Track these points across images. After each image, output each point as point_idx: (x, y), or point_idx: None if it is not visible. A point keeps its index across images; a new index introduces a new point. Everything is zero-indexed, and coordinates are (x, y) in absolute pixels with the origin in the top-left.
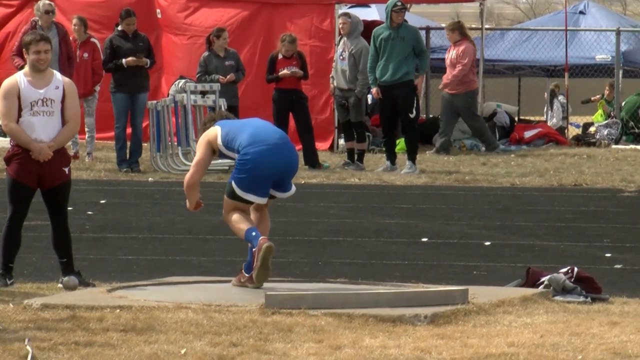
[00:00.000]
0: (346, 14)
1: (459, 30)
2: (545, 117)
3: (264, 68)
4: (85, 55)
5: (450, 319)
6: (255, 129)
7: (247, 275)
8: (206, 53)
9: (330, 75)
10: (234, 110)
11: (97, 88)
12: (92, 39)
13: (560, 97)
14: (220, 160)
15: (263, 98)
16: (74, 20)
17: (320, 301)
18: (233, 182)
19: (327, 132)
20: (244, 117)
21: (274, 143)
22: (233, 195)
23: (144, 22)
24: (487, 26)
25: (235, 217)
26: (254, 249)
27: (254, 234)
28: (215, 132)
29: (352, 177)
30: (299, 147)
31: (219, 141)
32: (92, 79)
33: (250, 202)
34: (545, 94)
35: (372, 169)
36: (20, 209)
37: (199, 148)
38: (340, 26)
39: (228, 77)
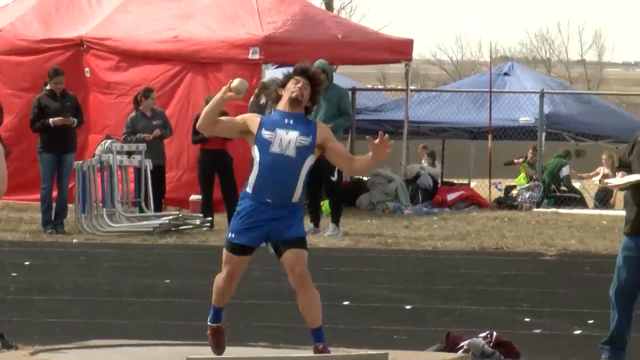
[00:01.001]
0: (264, 87)
1: None
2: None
3: (187, 127)
4: None
5: None
6: None
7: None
8: (133, 113)
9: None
10: (161, 170)
11: None
12: None
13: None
14: (145, 222)
15: (178, 156)
16: None
17: None
18: None
19: None
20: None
21: None
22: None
23: (72, 81)
24: (412, 87)
25: None
26: None
27: None
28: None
29: None
30: (223, 209)
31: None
32: None
33: None
34: (423, 159)
35: None
36: None
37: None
38: (264, 101)
39: (154, 132)
